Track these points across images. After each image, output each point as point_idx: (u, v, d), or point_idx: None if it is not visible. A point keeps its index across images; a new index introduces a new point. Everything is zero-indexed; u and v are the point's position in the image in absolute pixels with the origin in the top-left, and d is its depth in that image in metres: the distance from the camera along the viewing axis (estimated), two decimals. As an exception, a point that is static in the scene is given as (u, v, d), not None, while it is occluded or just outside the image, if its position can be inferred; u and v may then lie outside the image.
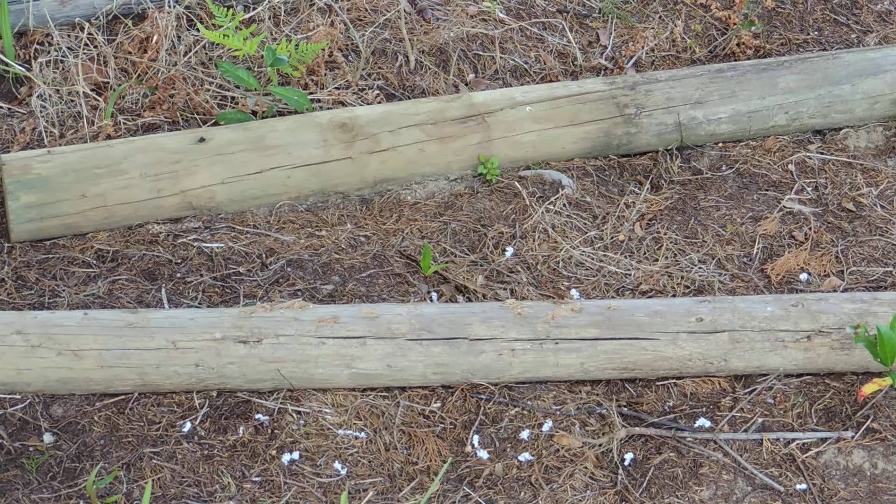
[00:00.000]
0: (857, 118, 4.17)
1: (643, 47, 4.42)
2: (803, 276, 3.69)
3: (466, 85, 4.24)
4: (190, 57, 4.12)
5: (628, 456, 3.20)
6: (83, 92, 4.01)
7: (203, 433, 3.18)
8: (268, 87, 3.98)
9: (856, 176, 4.02)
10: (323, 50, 4.15)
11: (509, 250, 3.70)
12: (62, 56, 4.11)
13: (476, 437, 3.22)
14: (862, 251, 3.78)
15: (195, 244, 3.63)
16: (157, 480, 3.07)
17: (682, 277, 3.66)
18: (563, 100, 3.97)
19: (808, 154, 4.08)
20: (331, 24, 4.28)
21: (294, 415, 3.22)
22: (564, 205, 3.85)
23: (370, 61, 4.24)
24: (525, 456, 3.19)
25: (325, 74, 4.16)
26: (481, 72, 4.29)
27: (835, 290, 3.64)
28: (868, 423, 3.27)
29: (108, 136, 3.93)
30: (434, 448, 3.19)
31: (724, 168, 4.04)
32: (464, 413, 3.28)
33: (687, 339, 3.31)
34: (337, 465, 3.14)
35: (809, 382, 3.38)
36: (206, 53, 4.16)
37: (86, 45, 4.14)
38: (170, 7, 4.18)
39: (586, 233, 3.79)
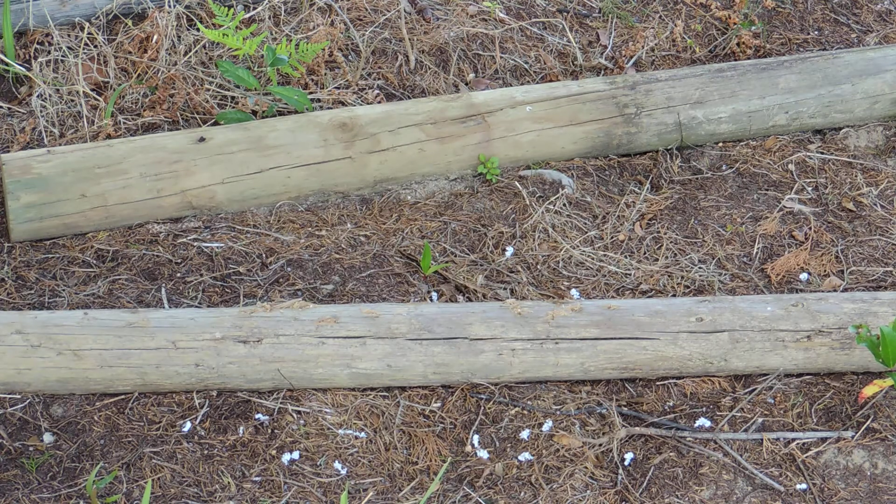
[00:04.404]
0: (857, 118, 4.17)
1: (643, 47, 4.42)
2: (803, 276, 3.69)
3: (466, 85, 4.24)
4: (190, 57, 4.12)
5: (628, 456, 3.20)
6: (83, 92, 4.01)
7: (203, 433, 3.18)
8: (268, 87, 3.98)
9: (856, 176, 4.02)
10: (323, 50, 4.15)
11: (509, 250, 3.70)
12: (62, 56, 4.11)
13: (476, 437, 3.22)
14: (862, 251, 3.78)
15: (195, 244, 3.63)
16: (157, 480, 3.07)
17: (682, 277, 3.66)
18: (563, 99, 3.97)
19: (808, 154, 4.08)
20: (331, 24, 4.28)
21: (294, 415, 3.22)
22: (564, 204, 3.85)
23: (370, 61, 4.24)
24: (525, 456, 3.19)
25: (326, 74, 4.16)
26: (481, 71, 4.29)
27: (835, 290, 3.64)
28: (868, 422, 3.27)
29: (108, 136, 3.93)
30: (434, 448, 3.19)
31: (724, 168, 4.04)
32: (464, 413, 3.28)
33: (687, 338, 3.31)
34: (337, 464, 3.14)
35: (809, 382, 3.38)
36: (207, 53, 4.16)
37: (86, 44, 4.14)
38: (170, 7, 4.18)
39: (586, 232, 3.79)
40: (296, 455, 3.15)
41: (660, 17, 4.56)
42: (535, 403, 3.30)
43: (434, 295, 3.56)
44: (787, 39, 4.53)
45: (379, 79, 4.21)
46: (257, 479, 3.10)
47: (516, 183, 3.89)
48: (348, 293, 3.52)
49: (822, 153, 4.10)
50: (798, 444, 3.23)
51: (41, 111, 3.99)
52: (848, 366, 3.37)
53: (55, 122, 3.97)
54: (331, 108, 4.02)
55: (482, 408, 3.28)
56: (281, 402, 3.24)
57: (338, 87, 4.15)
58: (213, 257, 3.60)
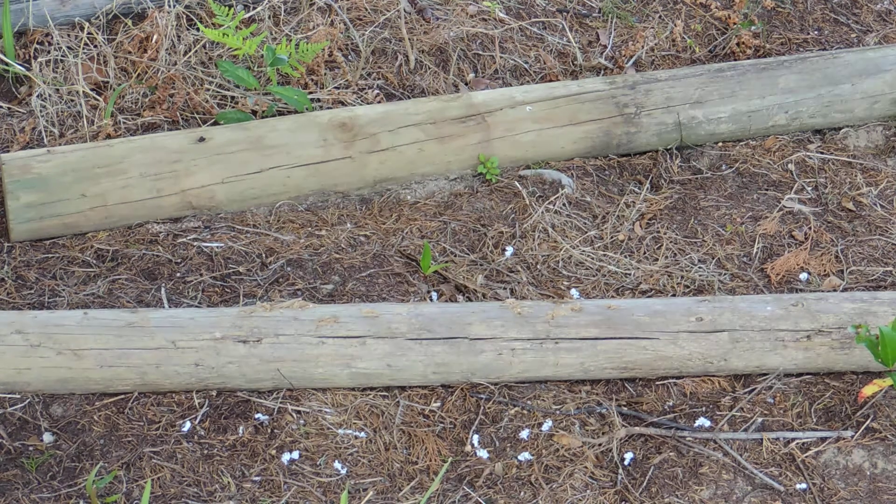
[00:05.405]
0: (856, 118, 4.17)
1: (643, 47, 4.42)
2: (803, 276, 3.69)
3: (466, 84, 4.24)
4: (190, 56, 4.12)
5: (628, 455, 3.20)
6: (83, 91, 4.01)
7: (203, 433, 3.18)
8: (268, 87, 3.98)
9: (855, 175, 4.02)
10: (323, 50, 4.15)
11: (509, 250, 3.70)
12: (62, 56, 4.11)
13: (476, 437, 3.22)
14: (862, 251, 3.78)
15: (195, 244, 3.63)
16: (156, 480, 3.07)
17: (682, 277, 3.66)
18: (563, 99, 3.97)
19: (807, 153, 4.08)
20: (331, 24, 4.28)
21: (294, 414, 3.22)
22: (564, 204, 3.85)
23: (370, 61, 4.24)
24: (525, 455, 3.19)
25: (325, 74, 4.16)
26: (481, 71, 4.29)
27: (835, 290, 3.64)
28: (868, 422, 3.27)
29: (108, 136, 3.93)
30: (434, 448, 3.19)
31: (723, 167, 4.04)
32: (464, 412, 3.28)
33: (687, 338, 3.31)
34: (337, 464, 3.14)
35: (809, 382, 3.38)
36: (206, 53, 4.16)
37: (86, 44, 4.14)
38: (170, 6, 4.18)
39: (586, 232, 3.79)
40: (296, 455, 3.15)
41: (660, 17, 4.56)
42: (535, 403, 3.30)
43: (434, 295, 3.56)
44: (786, 39, 4.53)
45: (379, 79, 4.21)
46: (257, 478, 3.10)
47: (516, 183, 3.89)
48: (348, 293, 3.52)
49: (822, 153, 4.10)
50: (798, 443, 3.23)
51: (41, 111, 3.99)
52: (848, 365, 3.37)
53: (55, 122, 3.97)
54: (331, 108, 4.02)
55: (482, 407, 3.28)
56: (281, 402, 3.24)
57: (338, 87, 4.15)
58: (212, 257, 3.60)
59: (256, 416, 3.22)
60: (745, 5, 4.59)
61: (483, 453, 3.19)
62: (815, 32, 4.58)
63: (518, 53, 4.34)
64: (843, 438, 3.24)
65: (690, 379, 3.37)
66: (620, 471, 3.16)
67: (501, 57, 4.32)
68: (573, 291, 3.60)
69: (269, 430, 3.19)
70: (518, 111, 3.93)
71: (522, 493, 3.12)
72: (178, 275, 3.54)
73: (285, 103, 4.00)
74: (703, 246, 3.78)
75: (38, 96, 4.01)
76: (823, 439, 3.24)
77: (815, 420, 3.29)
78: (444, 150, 3.87)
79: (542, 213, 3.80)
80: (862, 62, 4.16)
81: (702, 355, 3.32)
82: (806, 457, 3.20)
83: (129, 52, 4.13)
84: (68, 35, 4.20)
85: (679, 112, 4.02)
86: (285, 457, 3.14)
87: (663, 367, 3.34)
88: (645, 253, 3.75)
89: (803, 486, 3.16)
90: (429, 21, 4.37)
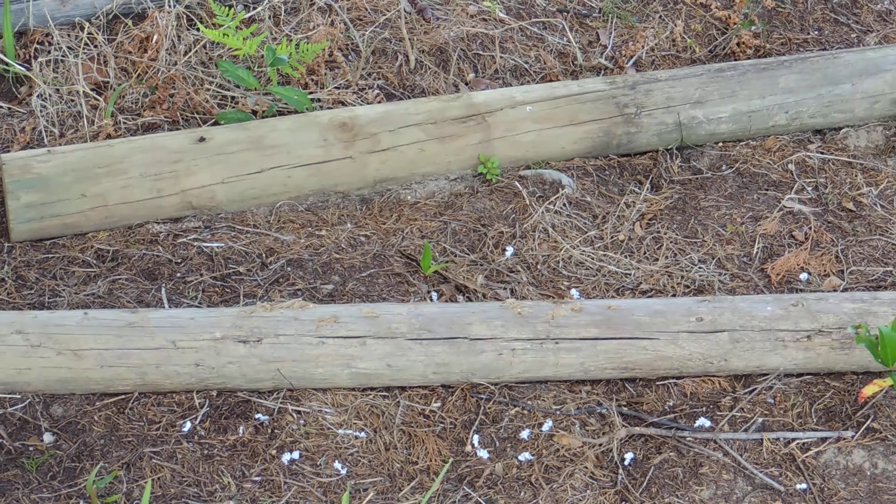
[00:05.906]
0: (857, 118, 4.17)
1: (643, 47, 4.42)
2: (803, 276, 3.69)
3: (466, 84, 4.24)
4: (190, 56, 4.12)
5: (628, 455, 3.20)
6: (83, 91, 4.01)
7: (203, 433, 3.18)
8: (268, 87, 3.98)
9: (856, 175, 4.02)
10: (323, 50, 4.15)
11: (509, 250, 3.70)
12: (62, 56, 4.11)
13: (476, 437, 3.22)
14: (862, 251, 3.78)
15: (195, 244, 3.64)
16: (157, 480, 3.07)
17: (683, 277, 3.66)
18: (563, 99, 3.97)
19: (808, 154, 4.08)
20: (331, 24, 4.28)
21: (294, 414, 3.22)
22: (564, 204, 3.85)
23: (370, 61, 4.24)
24: (525, 455, 3.19)
25: (326, 74, 4.16)
26: (481, 71, 4.29)
27: (835, 290, 3.64)
28: (868, 422, 3.27)
29: (109, 136, 3.93)
30: (434, 448, 3.19)
31: (724, 168, 4.04)
32: (464, 413, 3.28)
33: (687, 338, 3.31)
34: (337, 464, 3.14)
35: (809, 382, 3.39)
36: (207, 53, 4.16)
37: (86, 44, 4.14)
38: (170, 7, 4.18)
39: (586, 232, 3.79)
40: (296, 455, 3.15)
41: (660, 17, 4.56)
42: (535, 403, 3.30)
43: (434, 295, 3.56)
44: (787, 39, 4.53)
45: (379, 79, 4.21)
46: (257, 478, 3.10)
47: (516, 183, 3.89)
48: (348, 293, 3.52)
49: (822, 153, 4.10)
50: (798, 443, 3.23)
51: (41, 111, 3.99)
52: (848, 366, 3.37)
53: (55, 122, 3.97)
54: (331, 108, 4.02)
55: (482, 408, 3.28)
56: (281, 402, 3.24)
57: (338, 87, 4.15)
58: (213, 257, 3.60)
59: (257, 416, 3.22)
60: (746, 5, 4.59)
61: (483, 453, 3.19)
62: (816, 32, 4.58)
63: (518, 53, 4.34)
64: (844, 438, 3.24)
65: (691, 379, 3.37)
66: (620, 471, 3.16)
67: (501, 57, 4.32)
68: (573, 291, 3.60)
69: (269, 431, 3.19)
70: (518, 111, 3.93)
71: (523, 493, 3.12)
72: (179, 275, 3.54)
73: (285, 103, 4.00)
74: (703, 246, 3.78)
75: (38, 96, 4.01)
76: (824, 439, 3.24)
77: (815, 420, 3.29)
78: (445, 150, 3.87)
79: (543, 213, 3.80)
80: (862, 62, 4.16)
81: (702, 355, 3.32)
82: (806, 457, 3.21)
83: (130, 52, 4.13)
84: (68, 35, 4.20)
85: (679, 112, 4.02)
86: (285, 457, 3.15)
87: (663, 368, 3.34)
88: (645, 253, 3.75)
89: (803, 486, 3.16)
90: (429, 21, 4.37)
